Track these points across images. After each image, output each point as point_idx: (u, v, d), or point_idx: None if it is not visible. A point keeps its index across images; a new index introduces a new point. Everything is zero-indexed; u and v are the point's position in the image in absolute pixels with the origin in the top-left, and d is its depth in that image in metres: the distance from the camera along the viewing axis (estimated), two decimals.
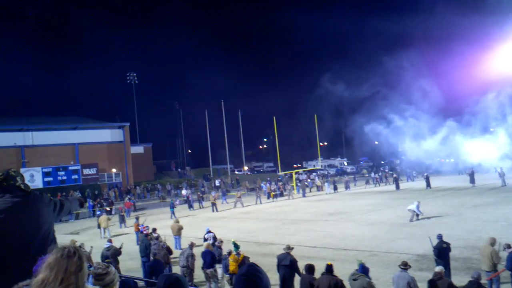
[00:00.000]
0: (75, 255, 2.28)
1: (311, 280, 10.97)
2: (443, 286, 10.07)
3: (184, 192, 47.35)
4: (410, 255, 16.32)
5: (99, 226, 28.31)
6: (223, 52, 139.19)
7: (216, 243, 15.86)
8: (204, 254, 14.79)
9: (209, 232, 19.74)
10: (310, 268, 11.32)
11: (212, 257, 14.59)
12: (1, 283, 3.25)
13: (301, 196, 44.78)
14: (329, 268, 10.55)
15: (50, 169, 49.61)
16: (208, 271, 14.46)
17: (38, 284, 2.20)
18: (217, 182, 59.65)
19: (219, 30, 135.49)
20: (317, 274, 11.23)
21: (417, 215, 24.44)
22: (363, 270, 10.44)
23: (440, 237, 13.97)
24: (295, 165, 77.47)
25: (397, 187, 43.54)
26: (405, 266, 10.64)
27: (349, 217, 27.87)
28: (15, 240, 3.42)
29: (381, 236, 21.23)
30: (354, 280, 10.03)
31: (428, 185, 41.61)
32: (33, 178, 46.78)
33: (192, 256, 15.16)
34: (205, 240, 19.79)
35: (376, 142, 61.06)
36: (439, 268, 10.62)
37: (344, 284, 10.10)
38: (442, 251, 13.46)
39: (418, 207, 24.52)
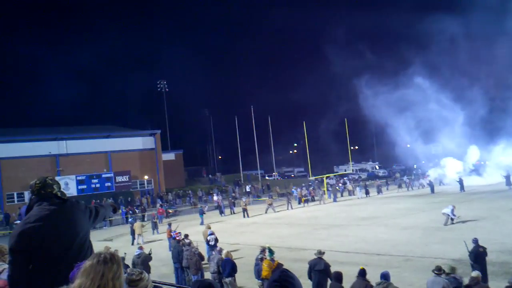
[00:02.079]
0: (111, 261, 2.30)
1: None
2: None
3: (215, 198, 47.54)
4: (445, 260, 16.00)
5: (132, 233, 28.60)
6: (252, 58, 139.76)
7: (260, 252, 15.07)
8: (224, 263, 14.76)
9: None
10: (338, 277, 11.20)
11: (232, 266, 14.51)
12: None
13: (332, 201, 44.43)
14: (362, 272, 10.42)
15: (83, 177, 50.58)
16: (227, 280, 14.36)
17: None
18: (247, 188, 59.72)
19: (249, 36, 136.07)
20: (346, 281, 11.13)
21: (452, 219, 23.99)
22: (386, 277, 10.22)
23: (476, 241, 13.67)
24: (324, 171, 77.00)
25: (432, 190, 42.73)
26: (439, 271, 10.43)
27: (381, 222, 27.52)
28: (53, 247, 3.49)
29: (415, 240, 20.90)
30: None
31: (462, 188, 40.76)
32: (68, 186, 47.71)
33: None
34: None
35: (408, 145, 60.35)
36: (475, 273, 10.38)
37: None
38: (478, 256, 13.16)
39: (452, 211, 24.06)
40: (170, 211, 43.97)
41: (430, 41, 54.23)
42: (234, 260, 15.13)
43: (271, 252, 13.62)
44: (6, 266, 3.95)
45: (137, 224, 28.74)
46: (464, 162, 49.64)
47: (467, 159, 50.15)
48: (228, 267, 14.47)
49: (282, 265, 13.04)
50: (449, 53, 52.52)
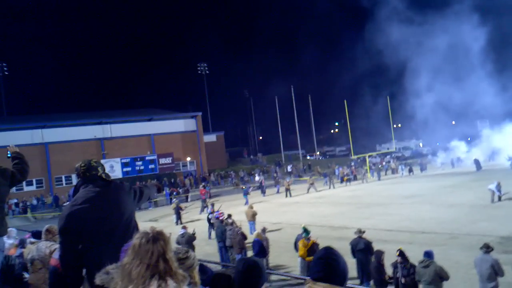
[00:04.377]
0: (159, 239, 2.32)
1: (377, 266, 10.85)
2: None
3: (257, 178, 47.75)
4: (493, 237, 15.63)
5: (176, 213, 29.06)
6: (291, 37, 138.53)
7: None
8: (253, 244, 14.89)
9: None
10: (378, 255, 11.15)
11: (260, 247, 14.52)
12: (91, 268, 3.43)
13: (376, 179, 43.94)
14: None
15: (128, 160, 51.72)
16: None
17: (124, 268, 2.27)
18: (289, 168, 59.73)
19: (288, 15, 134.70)
20: (388, 259, 11.03)
21: (499, 196, 23.37)
22: (429, 255, 10.08)
23: None
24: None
25: (478, 167, 41.60)
26: (487, 248, 10.20)
27: (426, 200, 27.06)
28: (100, 228, 3.58)
29: (461, 218, 20.48)
30: (425, 267, 9.72)
31: (479, 167, 39.55)
32: (113, 168, 48.89)
33: (266, 240, 15.27)
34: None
35: (453, 122, 58.83)
36: None
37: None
38: None
39: (497, 187, 23.39)
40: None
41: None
42: (276, 239, 15.19)
43: (307, 231, 13.60)
44: (58, 245, 4.09)
45: (173, 205, 29.62)
46: None
47: None
48: (255, 248, 14.57)
49: (318, 244, 13.05)
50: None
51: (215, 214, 22.35)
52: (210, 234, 22.42)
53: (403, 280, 10.17)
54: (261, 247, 14.53)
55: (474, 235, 16.74)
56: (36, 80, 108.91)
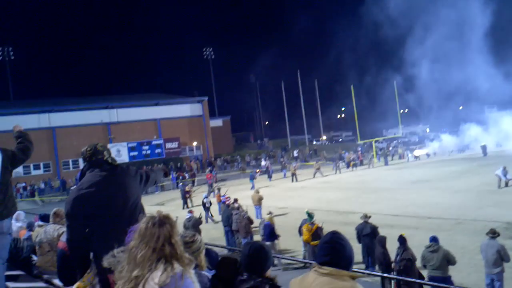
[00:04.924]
0: (166, 223, 2.33)
1: (383, 251, 10.87)
2: None
3: (263, 163, 47.74)
4: (499, 223, 15.61)
5: (183, 197, 29.14)
6: (297, 21, 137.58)
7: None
8: (264, 227, 14.99)
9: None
10: (381, 241, 11.16)
11: (271, 230, 14.67)
12: (98, 251, 3.45)
13: (383, 164, 43.84)
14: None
15: (134, 144, 51.89)
16: (267, 243, 14.49)
17: (130, 251, 2.28)
18: (295, 153, 59.71)
19: (294, 1, 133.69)
20: (392, 244, 11.03)
21: (506, 182, 23.27)
22: (435, 241, 10.07)
23: None
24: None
25: (485, 153, 41.46)
26: (493, 234, 10.19)
27: (432, 185, 26.99)
28: (106, 212, 3.59)
29: (468, 203, 20.44)
30: (432, 252, 9.71)
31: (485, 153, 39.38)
32: (120, 153, 49.09)
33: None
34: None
35: (461, 107, 58.42)
36: None
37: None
38: None
39: (503, 172, 23.28)
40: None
41: None
42: (282, 224, 15.25)
43: (310, 216, 13.63)
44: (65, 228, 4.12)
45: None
46: None
47: None
48: (266, 231, 14.69)
49: (322, 228, 13.09)
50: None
51: (211, 198, 22.79)
52: (211, 217, 22.96)
53: (392, 266, 10.26)
54: (272, 231, 14.65)
55: (480, 221, 16.72)
56: (42, 65, 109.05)
